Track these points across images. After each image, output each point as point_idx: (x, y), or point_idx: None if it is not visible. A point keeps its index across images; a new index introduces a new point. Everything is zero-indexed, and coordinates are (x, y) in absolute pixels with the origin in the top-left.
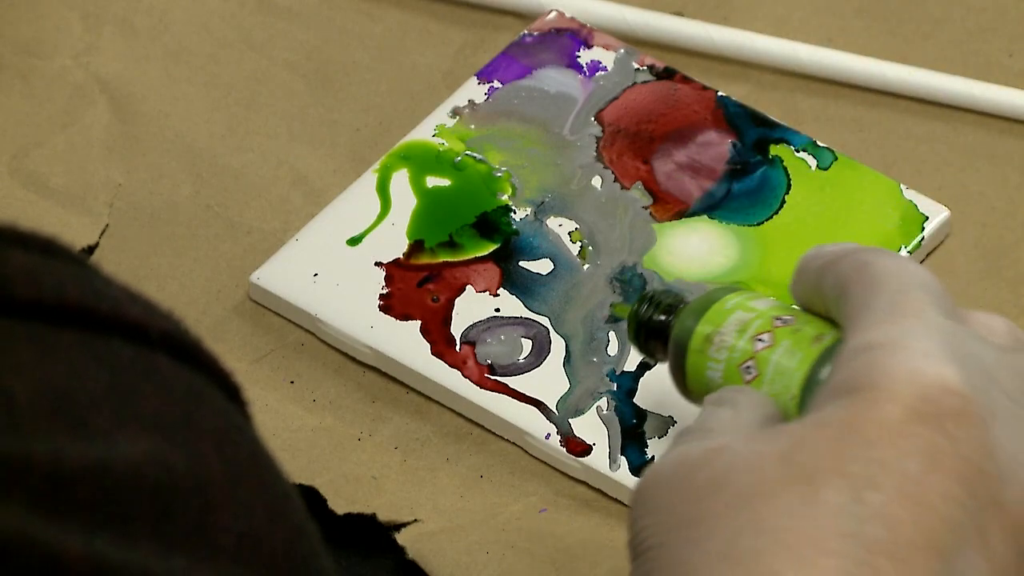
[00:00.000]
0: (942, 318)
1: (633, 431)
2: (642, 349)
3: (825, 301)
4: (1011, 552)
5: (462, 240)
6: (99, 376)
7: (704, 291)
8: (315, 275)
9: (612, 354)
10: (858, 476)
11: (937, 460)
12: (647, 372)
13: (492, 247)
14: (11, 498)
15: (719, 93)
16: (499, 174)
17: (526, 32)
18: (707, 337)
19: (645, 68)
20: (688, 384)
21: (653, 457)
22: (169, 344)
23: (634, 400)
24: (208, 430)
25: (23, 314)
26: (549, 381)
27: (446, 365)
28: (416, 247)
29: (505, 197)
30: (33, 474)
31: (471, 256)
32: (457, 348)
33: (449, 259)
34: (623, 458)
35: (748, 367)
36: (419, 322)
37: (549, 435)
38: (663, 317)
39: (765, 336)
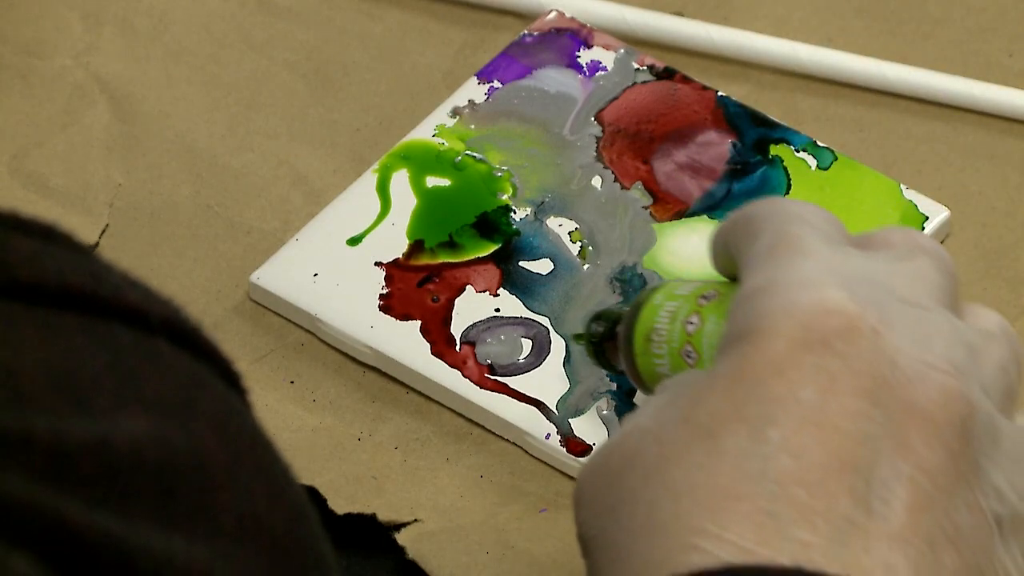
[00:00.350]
0: (821, 245)
1: None
2: (602, 366)
3: (729, 263)
4: (939, 452)
5: (462, 240)
6: (100, 357)
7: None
8: (315, 275)
9: None
10: (755, 417)
11: (832, 381)
12: None
13: (493, 247)
14: (12, 469)
15: (719, 93)
16: (499, 174)
17: (526, 32)
18: (646, 337)
19: (645, 68)
20: (648, 386)
21: None
22: (169, 330)
23: (634, 400)
24: (208, 413)
25: (25, 297)
26: (549, 381)
27: (446, 365)
28: (416, 247)
29: (505, 197)
30: (34, 448)
31: (471, 257)
32: (457, 348)
33: (449, 260)
34: None
35: (688, 352)
36: (419, 322)
37: (549, 435)
38: (605, 332)
39: (694, 318)
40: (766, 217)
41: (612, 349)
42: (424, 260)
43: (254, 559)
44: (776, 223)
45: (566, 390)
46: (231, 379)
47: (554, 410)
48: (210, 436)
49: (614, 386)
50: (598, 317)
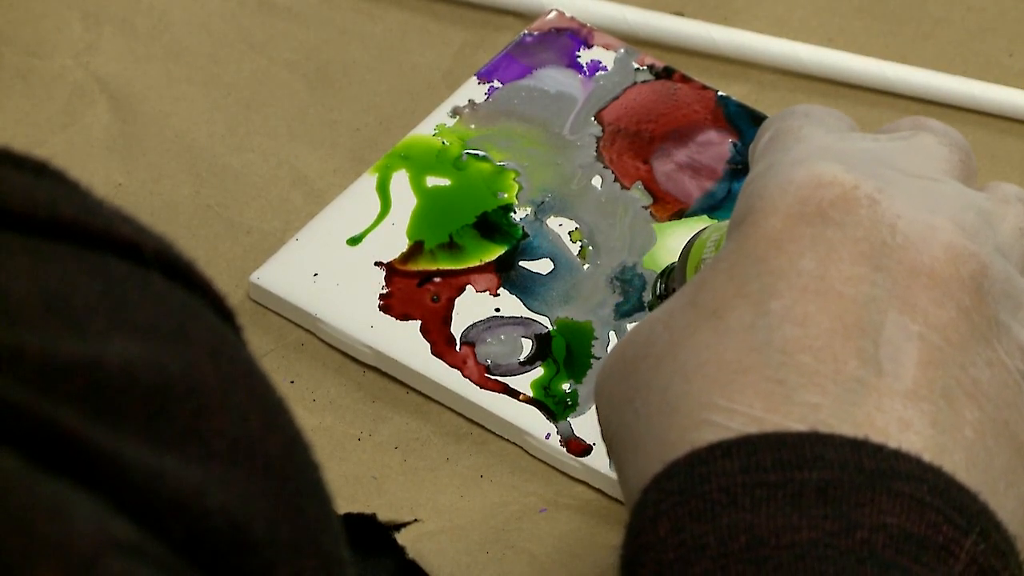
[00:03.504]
0: (819, 131)
1: None
2: None
3: None
4: (949, 309)
5: (462, 241)
6: (93, 284)
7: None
8: (315, 275)
9: None
10: (757, 292)
11: (831, 249)
12: None
13: (498, 250)
14: (2, 374)
15: (719, 93)
16: (508, 166)
17: (526, 32)
18: (696, 269)
19: (645, 68)
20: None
21: None
22: (162, 263)
23: None
24: (202, 341)
25: (17, 227)
26: (549, 381)
27: (446, 365)
28: (416, 248)
29: (505, 196)
30: (25, 360)
31: (473, 264)
32: (457, 348)
33: (448, 267)
34: None
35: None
36: (419, 322)
37: (549, 435)
38: (665, 279)
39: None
40: (774, 118)
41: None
42: (422, 266)
43: (247, 483)
44: (779, 120)
45: (566, 391)
46: (225, 314)
47: (554, 410)
48: (204, 361)
49: None
50: (663, 273)
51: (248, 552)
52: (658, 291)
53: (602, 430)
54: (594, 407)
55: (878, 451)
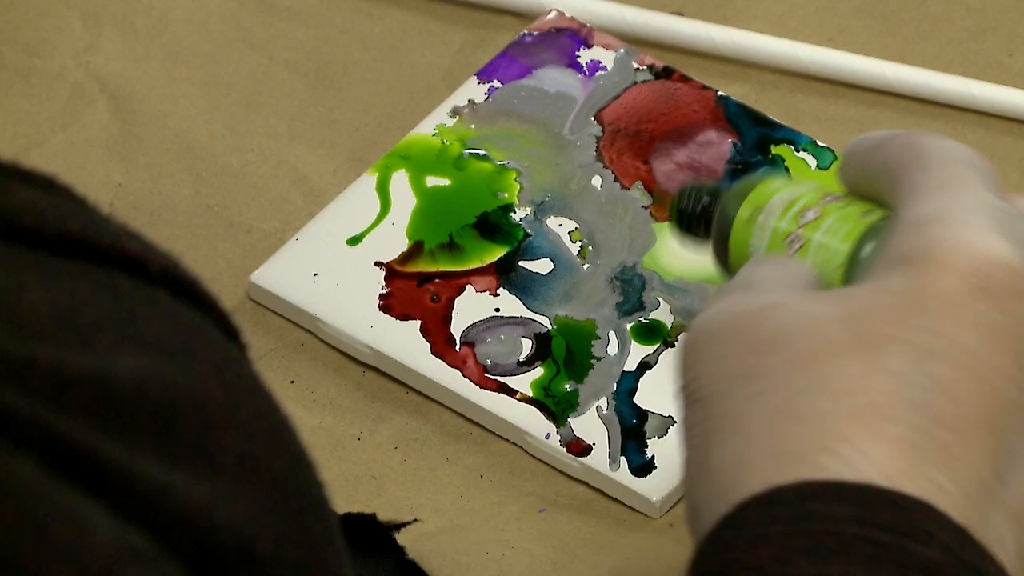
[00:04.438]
0: (991, 195)
1: (633, 431)
2: (688, 233)
3: (872, 182)
4: None
5: (462, 241)
6: (101, 300)
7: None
8: (315, 275)
9: (612, 354)
10: (920, 346)
11: (995, 336)
12: (647, 372)
13: (499, 250)
14: (14, 386)
15: (719, 93)
16: (509, 166)
17: (526, 32)
18: (751, 214)
19: (645, 68)
20: (731, 261)
21: (653, 457)
22: (168, 280)
23: (634, 400)
24: (208, 358)
25: (26, 242)
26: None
27: (446, 365)
28: (416, 248)
29: (506, 196)
30: (35, 372)
31: (474, 265)
32: (457, 348)
33: (448, 268)
34: (623, 458)
35: (793, 239)
36: (419, 322)
37: (549, 435)
38: (707, 199)
39: (812, 211)
40: (936, 150)
41: (698, 221)
42: (421, 267)
43: (253, 499)
44: (948, 157)
45: (566, 390)
46: (230, 332)
47: (554, 410)
48: (211, 378)
49: (614, 386)
50: (693, 188)
51: (254, 568)
52: (689, 207)
53: (689, 383)
54: (594, 409)
55: (978, 549)
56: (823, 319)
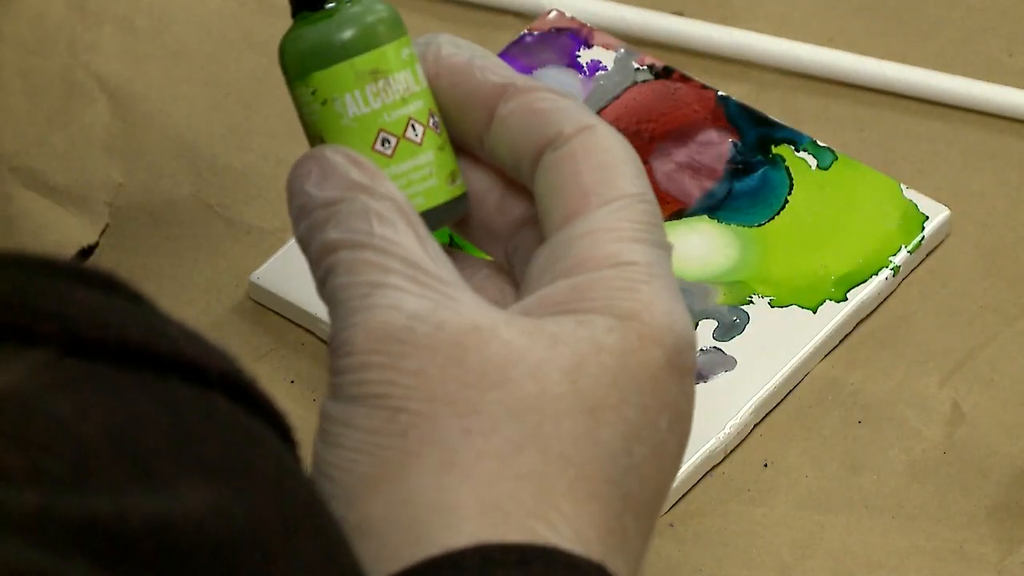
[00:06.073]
0: (654, 222)
1: None
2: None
3: (516, 160)
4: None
5: (463, 241)
6: (160, 419)
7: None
8: None
9: None
10: (631, 422)
11: (677, 418)
12: None
13: None
14: (77, 557)
15: (719, 93)
16: None
17: (526, 32)
18: (367, 74)
19: (645, 68)
20: (315, 79)
21: None
22: (226, 384)
23: None
24: (265, 476)
25: (88, 354)
26: None
27: None
28: None
29: None
30: (97, 533)
31: None
32: None
33: None
34: None
35: (386, 139)
36: None
37: None
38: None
39: (420, 128)
40: (589, 148)
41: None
42: None
43: None
44: (600, 157)
45: None
46: (284, 432)
47: None
48: (267, 501)
49: None
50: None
51: None
52: None
53: (388, 381)
54: None
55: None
56: (542, 365)
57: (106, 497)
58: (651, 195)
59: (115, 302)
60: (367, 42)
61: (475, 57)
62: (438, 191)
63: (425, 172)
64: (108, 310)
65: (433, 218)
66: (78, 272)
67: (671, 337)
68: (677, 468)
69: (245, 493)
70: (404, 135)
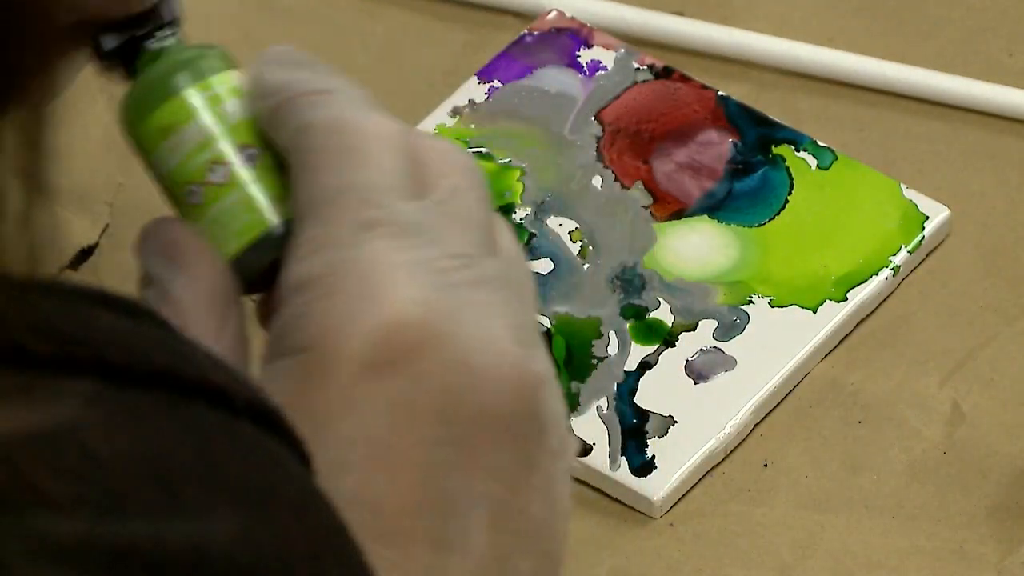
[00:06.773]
0: (389, 213)
1: (633, 431)
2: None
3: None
4: (507, 454)
5: None
6: (188, 443)
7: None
8: None
9: (613, 354)
10: (331, 465)
11: (408, 410)
12: (647, 372)
13: None
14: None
15: (719, 93)
16: (514, 164)
17: (526, 32)
18: (165, 128)
19: (645, 68)
20: (141, 140)
21: (654, 457)
22: (252, 411)
23: (634, 400)
24: (290, 501)
25: (115, 379)
26: None
27: None
28: None
29: (510, 196)
30: (137, 560)
31: None
32: None
33: None
34: (623, 458)
35: (193, 192)
36: None
37: None
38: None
39: (222, 169)
40: (322, 130)
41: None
42: None
43: None
44: (333, 156)
45: (566, 390)
46: (304, 458)
47: None
48: (293, 527)
49: (615, 386)
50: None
51: None
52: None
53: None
54: (594, 409)
55: None
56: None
57: (143, 523)
58: None
59: (140, 327)
60: (150, 102)
61: (294, 79)
62: (256, 224)
63: (239, 210)
64: (134, 335)
65: (252, 254)
66: (102, 296)
67: (356, 341)
68: (437, 439)
69: (271, 518)
70: (206, 180)
